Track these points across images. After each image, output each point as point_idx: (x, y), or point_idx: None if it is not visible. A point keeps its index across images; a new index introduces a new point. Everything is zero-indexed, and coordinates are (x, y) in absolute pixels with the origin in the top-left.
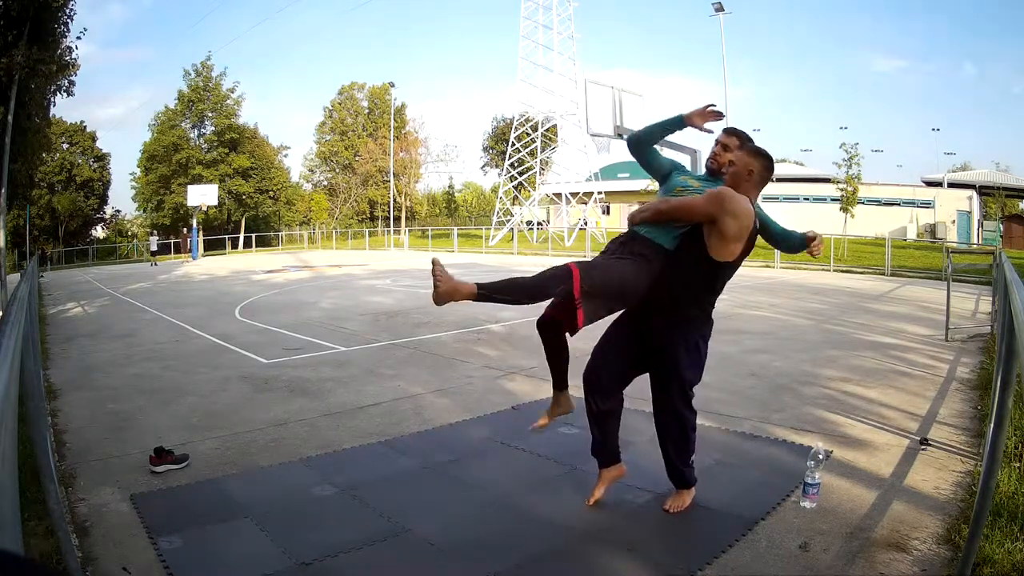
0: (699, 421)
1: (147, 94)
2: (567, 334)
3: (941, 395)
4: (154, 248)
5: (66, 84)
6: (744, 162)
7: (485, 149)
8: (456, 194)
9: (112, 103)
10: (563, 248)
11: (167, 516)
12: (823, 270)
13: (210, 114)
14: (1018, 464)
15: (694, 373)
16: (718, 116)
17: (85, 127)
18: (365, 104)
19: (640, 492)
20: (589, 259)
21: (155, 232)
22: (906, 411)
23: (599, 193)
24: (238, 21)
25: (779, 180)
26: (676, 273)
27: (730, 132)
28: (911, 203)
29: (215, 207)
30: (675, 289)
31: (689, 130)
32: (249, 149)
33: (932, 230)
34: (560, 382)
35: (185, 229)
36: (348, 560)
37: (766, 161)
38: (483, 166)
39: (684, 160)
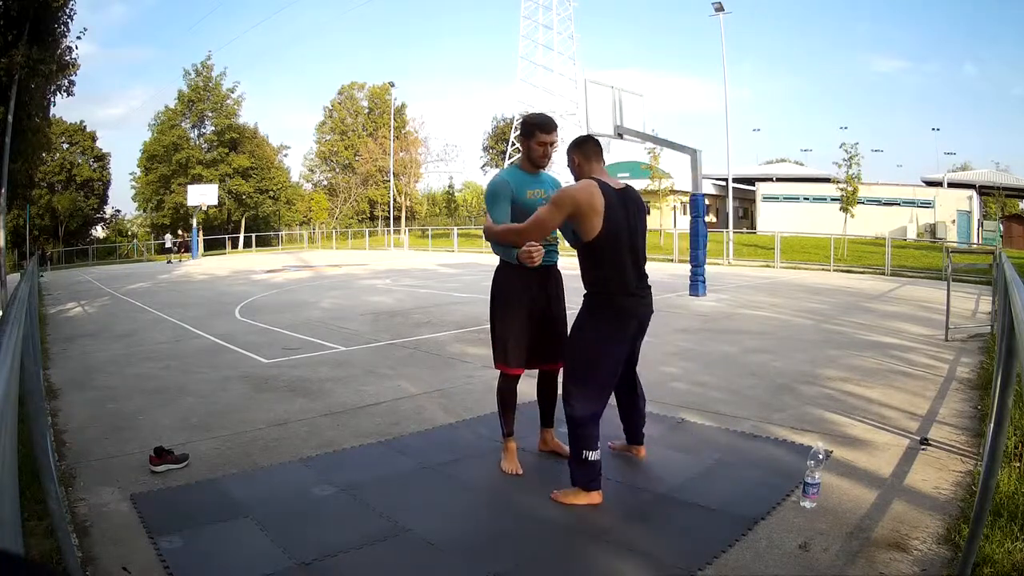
0: (700, 420)
1: (147, 94)
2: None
3: (941, 395)
4: (168, 245)
5: (66, 84)
6: (570, 159)
7: (485, 149)
8: (456, 194)
9: (112, 103)
10: (564, 248)
11: (167, 516)
12: (823, 270)
13: (210, 114)
14: (1018, 464)
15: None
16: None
17: (85, 127)
18: (365, 104)
19: (640, 492)
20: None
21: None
22: (906, 411)
23: None
24: (238, 21)
25: (779, 180)
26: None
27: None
28: (911, 203)
29: (215, 207)
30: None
31: (689, 133)
32: (249, 149)
33: (932, 230)
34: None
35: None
36: (348, 560)
37: (572, 144)
38: (483, 166)
39: (685, 159)
